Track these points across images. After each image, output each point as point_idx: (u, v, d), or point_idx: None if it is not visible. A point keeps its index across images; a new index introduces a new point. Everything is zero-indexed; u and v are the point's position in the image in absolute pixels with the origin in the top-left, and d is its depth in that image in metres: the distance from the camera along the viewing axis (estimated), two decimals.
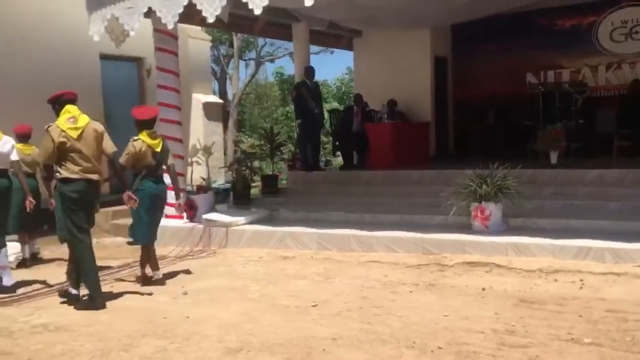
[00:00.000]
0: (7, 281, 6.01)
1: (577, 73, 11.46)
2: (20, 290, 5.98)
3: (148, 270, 6.23)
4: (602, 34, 11.24)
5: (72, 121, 5.25)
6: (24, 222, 6.91)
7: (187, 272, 6.63)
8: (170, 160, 6.30)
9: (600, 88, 11.30)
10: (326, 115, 12.22)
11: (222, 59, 26.44)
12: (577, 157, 9.56)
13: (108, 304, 5.38)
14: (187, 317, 4.84)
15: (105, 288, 6.04)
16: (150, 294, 5.74)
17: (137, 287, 6.06)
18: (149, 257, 6.19)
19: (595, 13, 11.22)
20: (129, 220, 8.91)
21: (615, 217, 6.87)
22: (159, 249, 6.66)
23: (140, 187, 5.97)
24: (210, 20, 7.04)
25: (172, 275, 6.49)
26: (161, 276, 6.19)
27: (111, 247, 8.51)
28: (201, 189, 8.75)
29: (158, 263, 6.31)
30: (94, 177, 5.33)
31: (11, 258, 7.15)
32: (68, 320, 4.93)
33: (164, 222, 6.75)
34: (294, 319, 4.72)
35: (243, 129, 25.21)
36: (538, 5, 10.60)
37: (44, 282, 6.28)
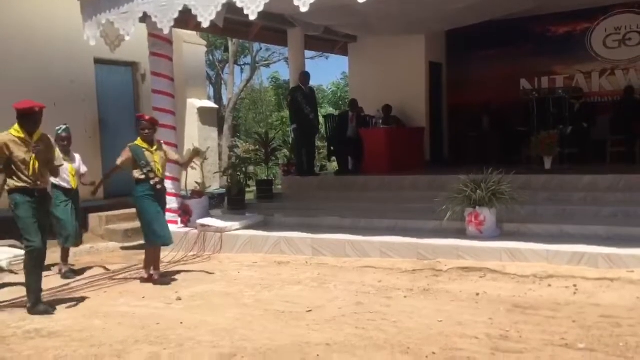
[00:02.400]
0: None
1: (570, 79, 11.52)
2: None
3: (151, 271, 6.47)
4: (595, 41, 11.30)
5: None
6: None
7: (181, 277, 6.62)
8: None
9: (594, 94, 11.36)
10: (321, 120, 12.22)
11: (217, 63, 26.46)
12: (571, 163, 9.59)
13: (101, 310, 5.36)
14: (181, 323, 4.83)
15: (99, 293, 6.05)
16: (143, 298, 5.73)
17: (130, 292, 6.04)
18: (155, 258, 6.50)
19: (588, 20, 11.29)
20: (122, 226, 8.93)
21: (609, 222, 6.88)
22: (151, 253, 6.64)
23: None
24: (206, 25, 7.03)
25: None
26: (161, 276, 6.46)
27: (105, 252, 8.49)
28: (196, 194, 8.74)
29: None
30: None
31: (3, 263, 7.13)
32: (61, 326, 4.91)
33: None
34: (288, 325, 4.71)
35: (238, 134, 25.20)
36: (532, 12, 10.67)
37: None
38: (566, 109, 10.48)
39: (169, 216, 7.22)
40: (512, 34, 11.57)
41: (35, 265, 5.32)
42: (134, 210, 6.79)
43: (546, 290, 5.41)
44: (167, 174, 7.00)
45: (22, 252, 5.84)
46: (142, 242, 7.75)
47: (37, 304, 5.33)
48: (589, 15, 11.19)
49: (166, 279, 6.45)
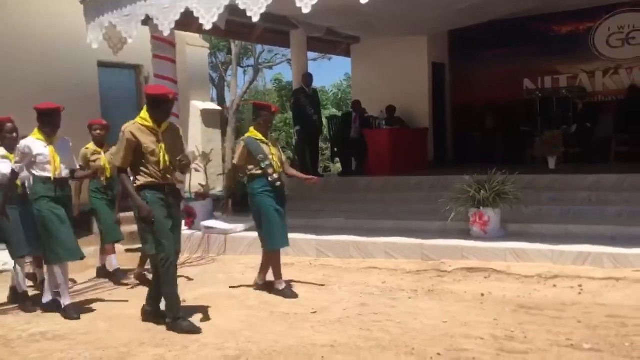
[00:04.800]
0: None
1: (574, 79, 11.48)
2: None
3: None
4: (598, 40, 11.27)
5: None
6: None
7: (186, 279, 6.61)
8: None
9: (598, 93, 11.31)
10: (324, 121, 12.23)
11: (220, 65, 26.47)
12: (575, 162, 9.56)
13: (106, 312, 5.37)
14: None
15: (103, 296, 6.05)
16: None
17: (135, 295, 6.04)
18: (276, 264, 5.90)
19: (591, 19, 11.25)
20: (127, 228, 8.90)
21: (614, 222, 6.86)
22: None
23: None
24: (208, 27, 7.04)
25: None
26: None
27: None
28: (200, 196, 8.75)
29: None
30: None
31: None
32: (66, 329, 4.92)
33: None
34: (293, 327, 4.71)
35: (241, 136, 25.23)
36: (535, 12, 10.64)
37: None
38: (570, 108, 10.47)
39: None
40: (515, 33, 11.53)
41: (172, 275, 4.77)
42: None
43: (551, 290, 5.39)
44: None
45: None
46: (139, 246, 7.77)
47: (178, 318, 4.74)
48: (592, 14, 11.15)
49: (293, 292, 5.72)
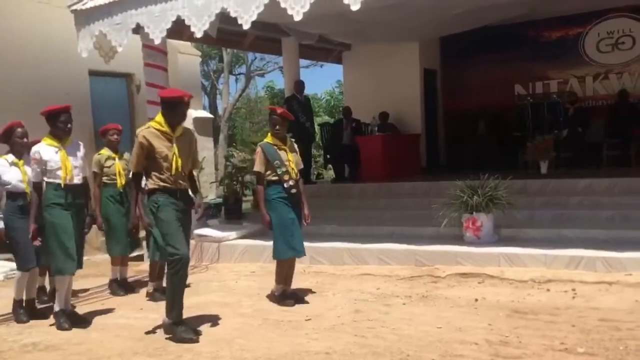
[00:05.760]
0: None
1: (564, 84, 11.57)
2: None
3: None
4: (588, 45, 11.36)
5: None
6: None
7: None
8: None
9: (588, 98, 11.40)
10: (317, 128, 12.24)
11: (212, 73, 26.48)
12: (567, 167, 9.61)
13: (99, 322, 5.33)
14: None
15: (95, 305, 6.01)
16: (140, 309, 5.70)
17: (128, 304, 6.01)
18: (289, 272, 5.80)
19: (581, 24, 11.34)
20: None
21: (606, 226, 6.89)
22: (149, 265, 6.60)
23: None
24: (199, 35, 7.05)
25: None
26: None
27: (102, 264, 8.43)
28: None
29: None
30: None
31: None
32: (58, 339, 4.87)
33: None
34: (288, 334, 4.69)
35: (234, 144, 25.18)
36: (525, 18, 10.72)
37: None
38: (561, 113, 10.52)
39: None
40: (506, 39, 11.61)
41: (182, 277, 4.67)
42: None
43: (545, 294, 5.40)
44: None
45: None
46: (138, 253, 7.74)
47: (179, 324, 4.67)
48: (582, 20, 11.24)
49: (301, 297, 5.71)
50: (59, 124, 5.16)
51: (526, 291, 5.52)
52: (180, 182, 4.74)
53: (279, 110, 5.73)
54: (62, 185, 5.12)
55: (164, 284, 5.48)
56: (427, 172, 11.44)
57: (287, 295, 5.68)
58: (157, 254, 5.66)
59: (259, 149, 5.60)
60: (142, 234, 7.02)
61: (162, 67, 8.48)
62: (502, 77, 11.87)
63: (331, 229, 8.10)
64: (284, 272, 5.71)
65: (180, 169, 4.69)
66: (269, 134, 5.69)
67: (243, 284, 6.60)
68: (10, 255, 7.03)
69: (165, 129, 4.67)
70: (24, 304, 5.59)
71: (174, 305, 4.68)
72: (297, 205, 5.63)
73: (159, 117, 4.71)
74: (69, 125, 5.22)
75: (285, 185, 5.48)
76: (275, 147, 5.57)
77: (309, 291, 6.03)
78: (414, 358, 3.99)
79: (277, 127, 5.59)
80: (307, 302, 5.61)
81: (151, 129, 4.67)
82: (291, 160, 5.59)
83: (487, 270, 6.14)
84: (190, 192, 4.93)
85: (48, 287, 6.28)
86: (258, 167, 5.56)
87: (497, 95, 11.86)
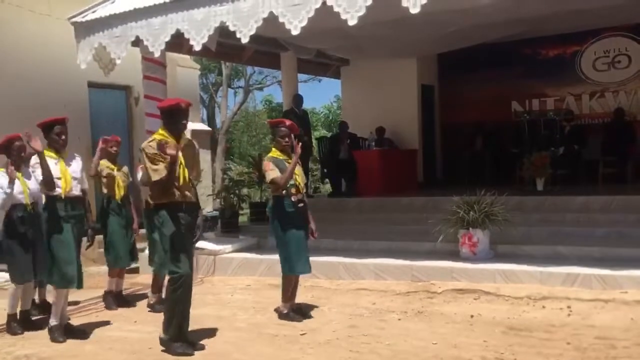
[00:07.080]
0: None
1: (561, 101, 11.62)
2: None
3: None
4: (585, 63, 11.43)
5: None
6: None
7: None
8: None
9: (585, 116, 11.45)
10: (314, 142, 12.26)
11: (210, 87, 26.56)
12: (563, 184, 9.63)
13: (93, 334, 5.30)
14: None
15: (90, 318, 5.98)
16: (135, 322, 5.67)
17: (122, 316, 5.98)
18: (294, 287, 5.73)
19: (578, 43, 11.42)
20: None
21: (602, 243, 6.89)
22: (145, 277, 6.59)
23: None
24: (197, 48, 7.08)
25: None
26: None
27: (97, 275, 8.40)
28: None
29: None
30: None
31: None
32: (52, 351, 4.85)
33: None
34: (282, 348, 4.68)
35: (231, 157, 25.20)
36: (523, 35, 10.78)
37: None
38: (557, 130, 10.57)
39: None
40: (503, 56, 11.68)
41: (182, 294, 4.64)
42: None
43: (540, 311, 5.39)
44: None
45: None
46: (135, 265, 7.70)
47: (177, 340, 4.63)
48: (578, 38, 11.32)
49: (307, 312, 5.66)
50: (53, 135, 5.20)
51: (522, 308, 5.51)
52: (187, 193, 4.68)
53: (288, 122, 5.62)
54: (63, 197, 5.13)
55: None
56: (424, 187, 11.46)
57: (294, 310, 5.63)
58: (164, 270, 5.61)
59: (267, 161, 5.51)
60: (140, 246, 7.02)
61: (161, 80, 8.50)
62: (499, 93, 11.93)
63: (327, 243, 8.07)
64: (292, 288, 5.63)
65: (187, 180, 4.66)
66: (273, 147, 5.63)
67: (238, 298, 6.57)
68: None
69: (170, 140, 4.62)
70: (18, 317, 5.56)
71: (172, 322, 4.65)
72: (304, 220, 5.56)
73: (162, 130, 4.67)
74: (63, 137, 5.24)
75: (292, 199, 5.42)
76: (283, 161, 5.47)
77: (304, 305, 6.01)
78: None
79: (287, 139, 5.49)
80: (312, 317, 5.55)
81: (156, 141, 4.59)
82: (298, 174, 5.50)
83: (483, 287, 6.14)
84: (196, 203, 4.85)
85: (37, 300, 6.23)
86: (274, 173, 5.39)
87: (494, 112, 11.91)
